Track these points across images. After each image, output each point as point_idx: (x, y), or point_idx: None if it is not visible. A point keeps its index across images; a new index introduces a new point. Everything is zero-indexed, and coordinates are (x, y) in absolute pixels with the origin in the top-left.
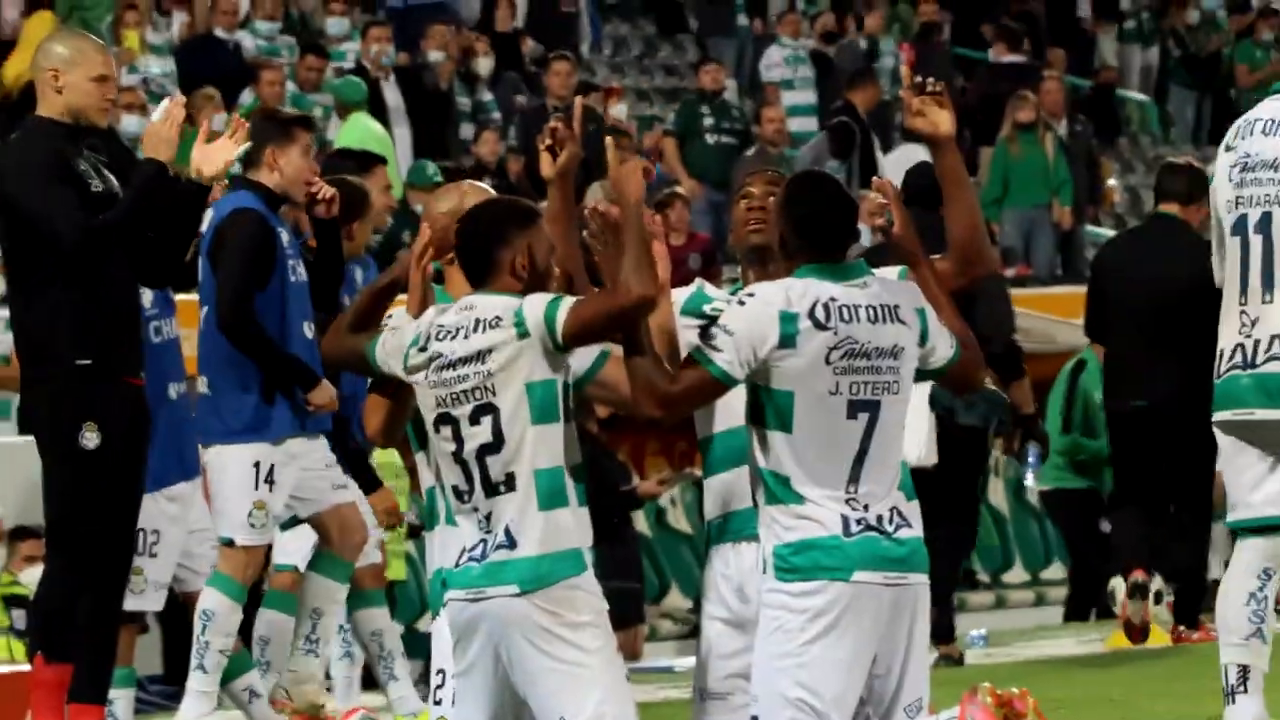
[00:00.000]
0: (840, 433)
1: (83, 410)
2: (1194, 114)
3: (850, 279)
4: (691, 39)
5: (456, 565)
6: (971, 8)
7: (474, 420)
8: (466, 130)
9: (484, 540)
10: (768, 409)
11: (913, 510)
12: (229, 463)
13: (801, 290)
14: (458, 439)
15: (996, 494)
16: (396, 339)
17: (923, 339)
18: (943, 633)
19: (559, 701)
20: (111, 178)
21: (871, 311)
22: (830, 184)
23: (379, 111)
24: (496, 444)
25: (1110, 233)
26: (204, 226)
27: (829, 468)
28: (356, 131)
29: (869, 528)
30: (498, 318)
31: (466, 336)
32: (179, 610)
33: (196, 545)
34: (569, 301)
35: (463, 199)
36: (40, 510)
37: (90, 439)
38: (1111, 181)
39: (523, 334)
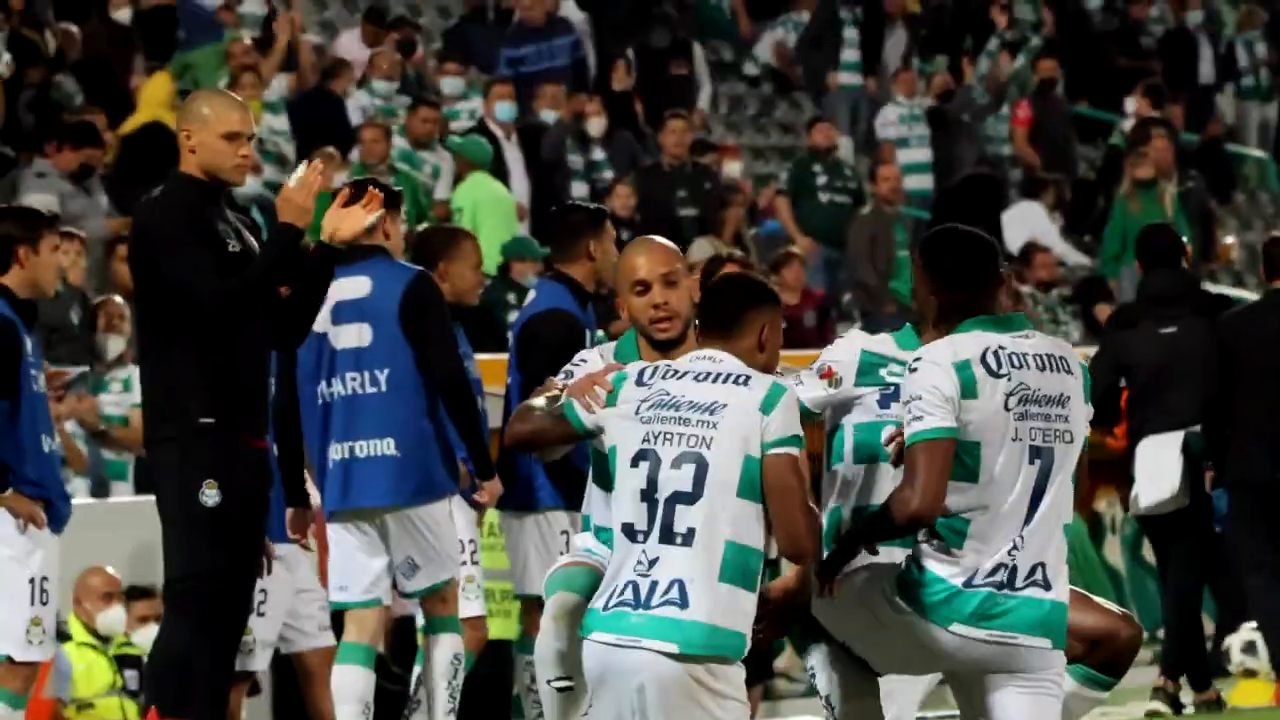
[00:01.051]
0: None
1: (204, 468)
2: None
3: (1015, 330)
4: (807, 97)
5: (606, 608)
6: (1089, 63)
7: (676, 465)
8: (579, 189)
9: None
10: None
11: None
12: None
13: (969, 342)
14: (652, 479)
15: (1113, 553)
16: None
17: (1086, 396)
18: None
19: None
20: (250, 238)
21: (1040, 360)
22: (961, 233)
23: (499, 171)
24: (694, 494)
25: (1228, 290)
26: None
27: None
28: (479, 191)
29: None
30: (747, 378)
31: (702, 380)
32: (287, 670)
33: (303, 606)
34: (796, 456)
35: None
36: (154, 571)
37: (210, 496)
38: (1229, 239)
39: (765, 410)
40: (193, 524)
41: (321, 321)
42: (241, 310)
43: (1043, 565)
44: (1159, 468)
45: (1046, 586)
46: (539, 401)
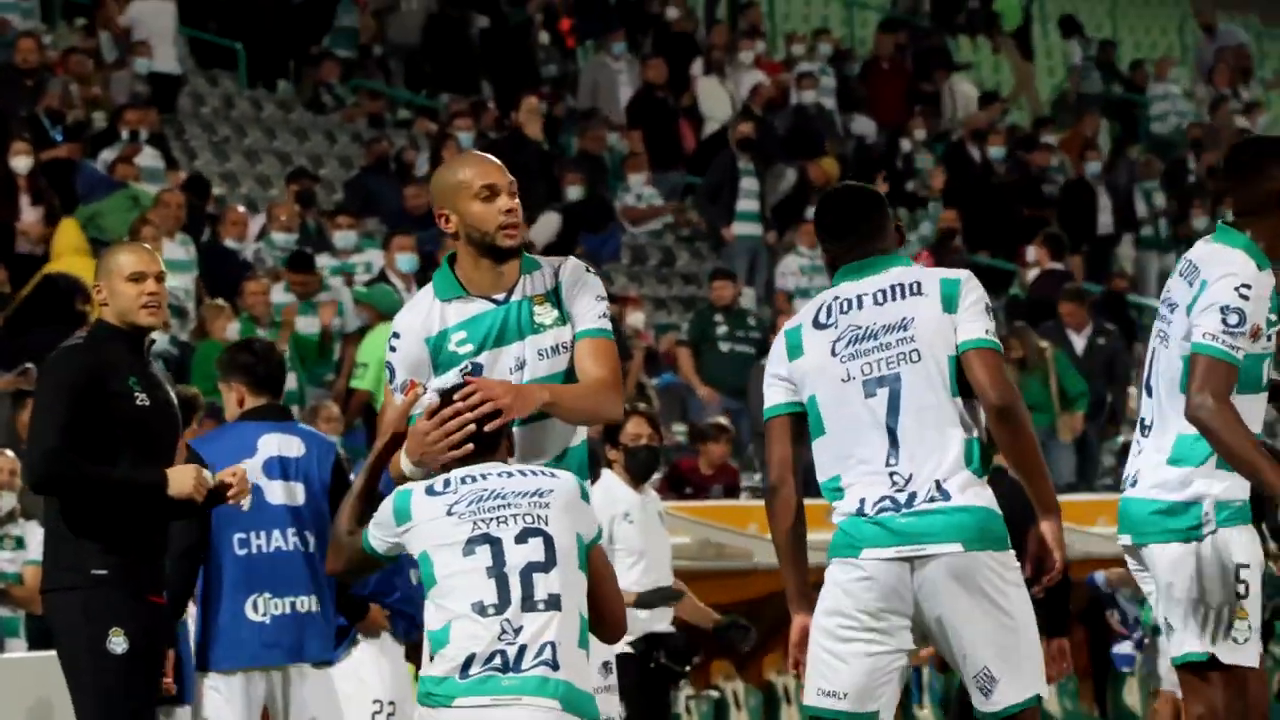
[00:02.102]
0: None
1: (108, 617)
2: None
3: (871, 272)
4: (709, 247)
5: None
6: (986, 214)
7: (521, 540)
8: None
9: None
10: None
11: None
12: None
13: (813, 303)
14: (498, 556)
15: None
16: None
17: (948, 306)
18: None
19: None
20: (164, 393)
21: (878, 295)
22: (839, 189)
23: None
24: (548, 564)
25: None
26: None
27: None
28: (384, 340)
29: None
30: (554, 473)
31: (513, 476)
32: None
33: None
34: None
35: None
36: None
37: (118, 644)
38: (1131, 389)
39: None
40: (102, 674)
41: (252, 472)
42: (57, 492)
43: (938, 481)
44: None
45: (947, 498)
46: (342, 527)
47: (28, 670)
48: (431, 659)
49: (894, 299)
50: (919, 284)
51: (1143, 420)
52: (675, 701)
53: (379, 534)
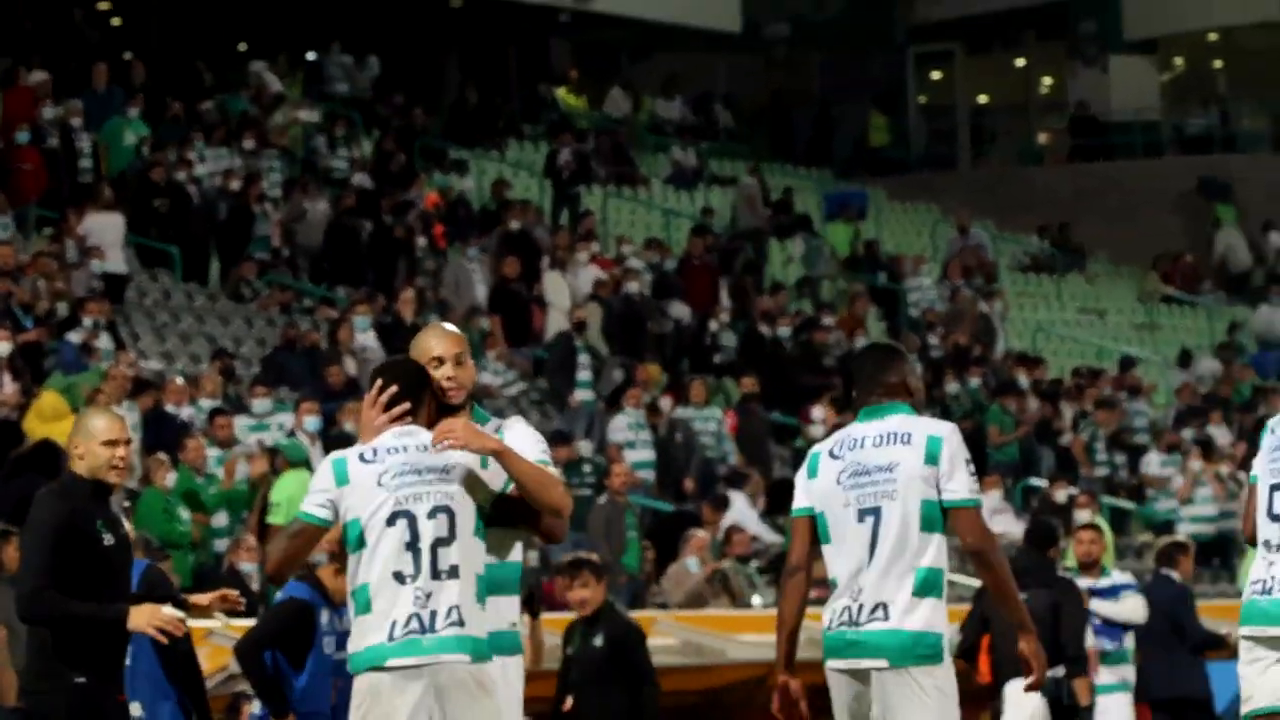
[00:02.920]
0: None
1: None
2: None
3: (876, 417)
4: (555, 408)
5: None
6: (780, 380)
7: (431, 516)
8: None
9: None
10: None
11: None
12: None
13: (836, 434)
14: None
15: None
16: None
17: (928, 458)
18: None
19: None
20: (124, 529)
21: (877, 438)
22: (867, 347)
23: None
24: (450, 538)
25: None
26: None
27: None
28: (294, 486)
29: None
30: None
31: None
32: None
33: None
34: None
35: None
36: None
37: None
38: None
39: (484, 466)
40: None
41: None
42: (41, 625)
43: (884, 605)
44: (1020, 705)
45: (887, 618)
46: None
47: None
48: (355, 628)
49: (887, 444)
50: (910, 435)
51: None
52: None
53: (318, 499)
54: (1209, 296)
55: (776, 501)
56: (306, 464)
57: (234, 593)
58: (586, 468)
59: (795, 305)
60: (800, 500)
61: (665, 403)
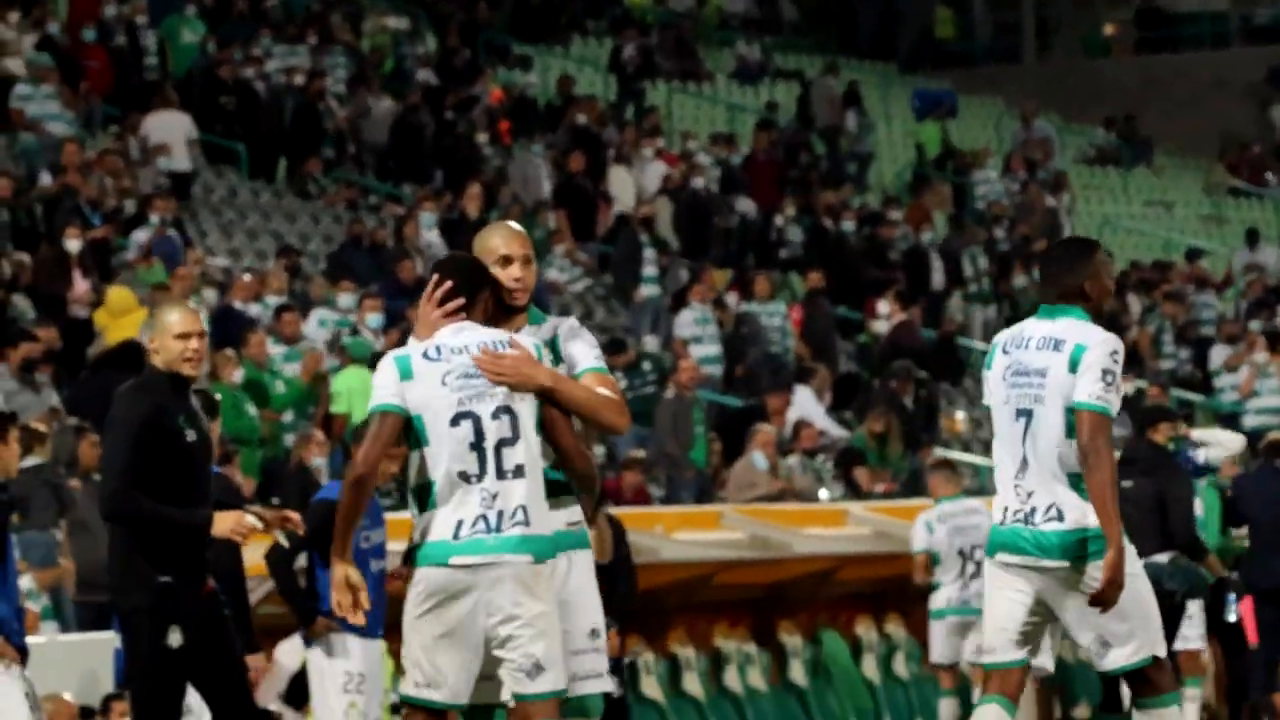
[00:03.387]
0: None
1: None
2: None
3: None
4: (620, 303)
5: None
6: (846, 275)
7: (495, 417)
8: None
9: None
10: None
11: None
12: None
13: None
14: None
15: (869, 668)
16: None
17: (1072, 368)
18: None
19: None
20: (205, 425)
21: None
22: (1062, 243)
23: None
24: (514, 438)
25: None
26: None
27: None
28: (353, 380)
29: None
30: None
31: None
32: None
33: None
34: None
35: None
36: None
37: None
38: (960, 414)
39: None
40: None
41: None
42: (123, 524)
43: (1056, 506)
44: None
45: (1061, 520)
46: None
47: (76, 650)
48: (419, 524)
49: (1045, 348)
50: (1063, 342)
51: None
52: None
53: (386, 392)
54: (1276, 188)
55: (842, 396)
56: (370, 360)
57: (295, 516)
58: (648, 364)
59: (859, 199)
60: (986, 393)
61: (731, 298)
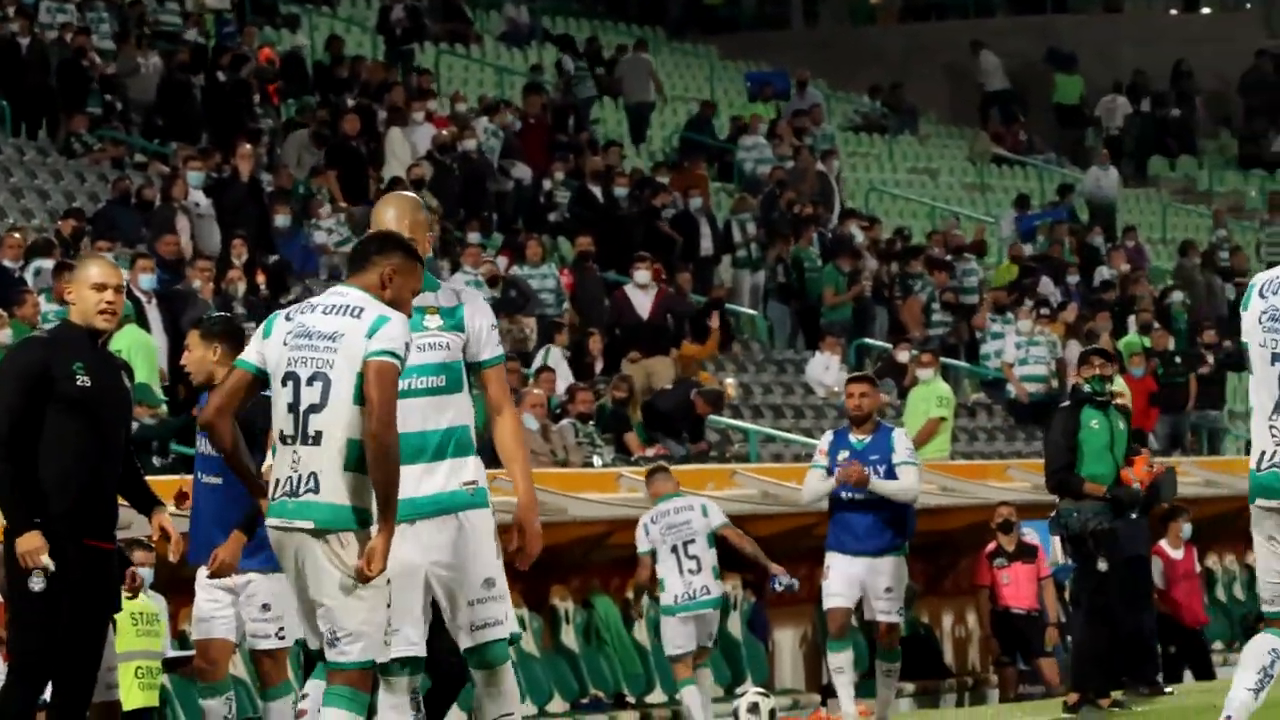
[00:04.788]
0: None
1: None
2: (791, 325)
3: None
4: None
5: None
6: (616, 240)
7: (310, 383)
8: None
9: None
10: None
11: None
12: None
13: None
14: (295, 394)
15: (640, 633)
16: None
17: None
18: None
19: None
20: (107, 377)
21: None
22: None
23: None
24: (321, 405)
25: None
26: None
27: None
28: (128, 338)
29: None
30: (361, 310)
31: (328, 313)
32: None
33: None
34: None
35: None
36: None
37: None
38: (730, 380)
39: (369, 336)
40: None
41: None
42: None
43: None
44: None
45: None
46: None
47: None
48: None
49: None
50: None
51: None
52: None
53: (253, 347)
54: (1039, 157)
55: (613, 359)
56: (137, 319)
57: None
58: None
59: (630, 164)
60: (1244, 333)
61: (502, 261)
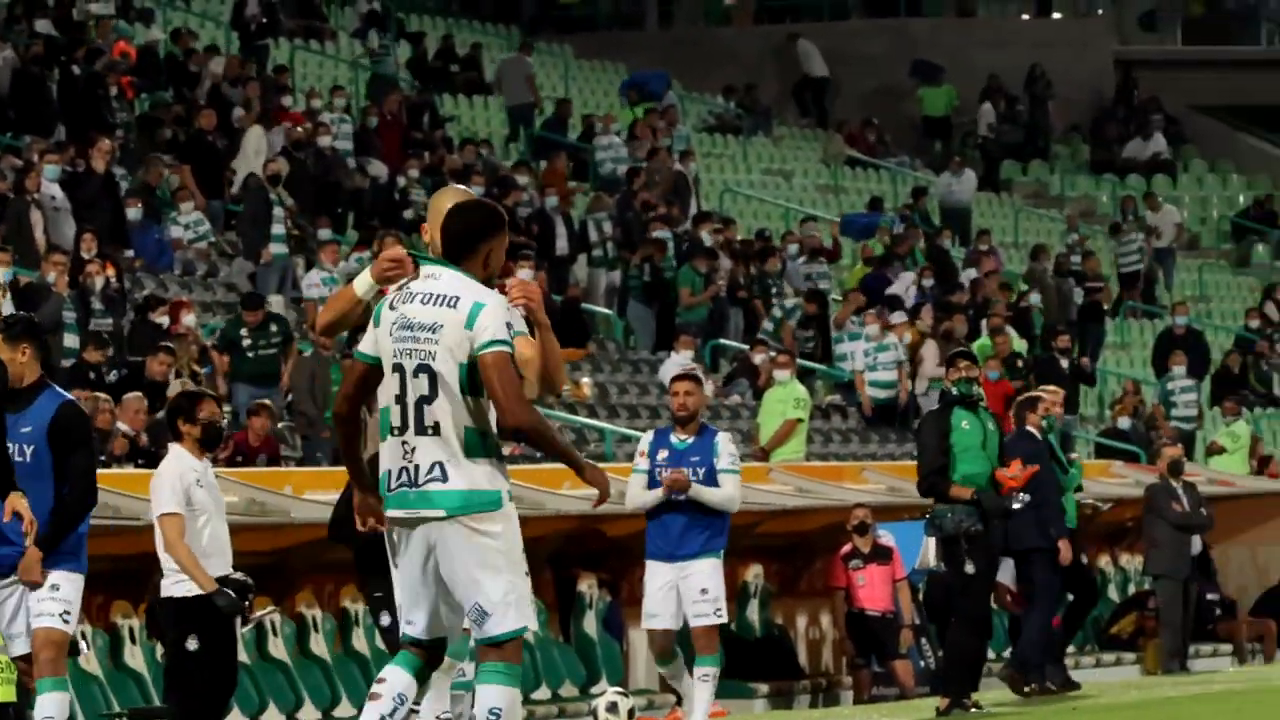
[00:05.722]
0: None
1: None
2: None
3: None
4: (250, 262)
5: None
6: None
7: (416, 375)
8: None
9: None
10: None
11: None
12: None
13: None
14: (403, 385)
15: (590, 625)
16: None
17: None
18: None
19: None
20: None
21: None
22: None
23: None
24: (431, 396)
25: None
26: None
27: None
28: None
29: None
30: (456, 299)
31: (426, 303)
32: None
33: None
34: (501, 353)
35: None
36: None
37: None
38: (585, 380)
39: (469, 326)
40: None
41: None
42: None
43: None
44: None
45: (444, 479)
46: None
47: None
48: None
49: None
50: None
51: None
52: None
53: (368, 338)
54: (893, 160)
55: None
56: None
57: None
58: (273, 328)
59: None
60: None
61: (357, 258)
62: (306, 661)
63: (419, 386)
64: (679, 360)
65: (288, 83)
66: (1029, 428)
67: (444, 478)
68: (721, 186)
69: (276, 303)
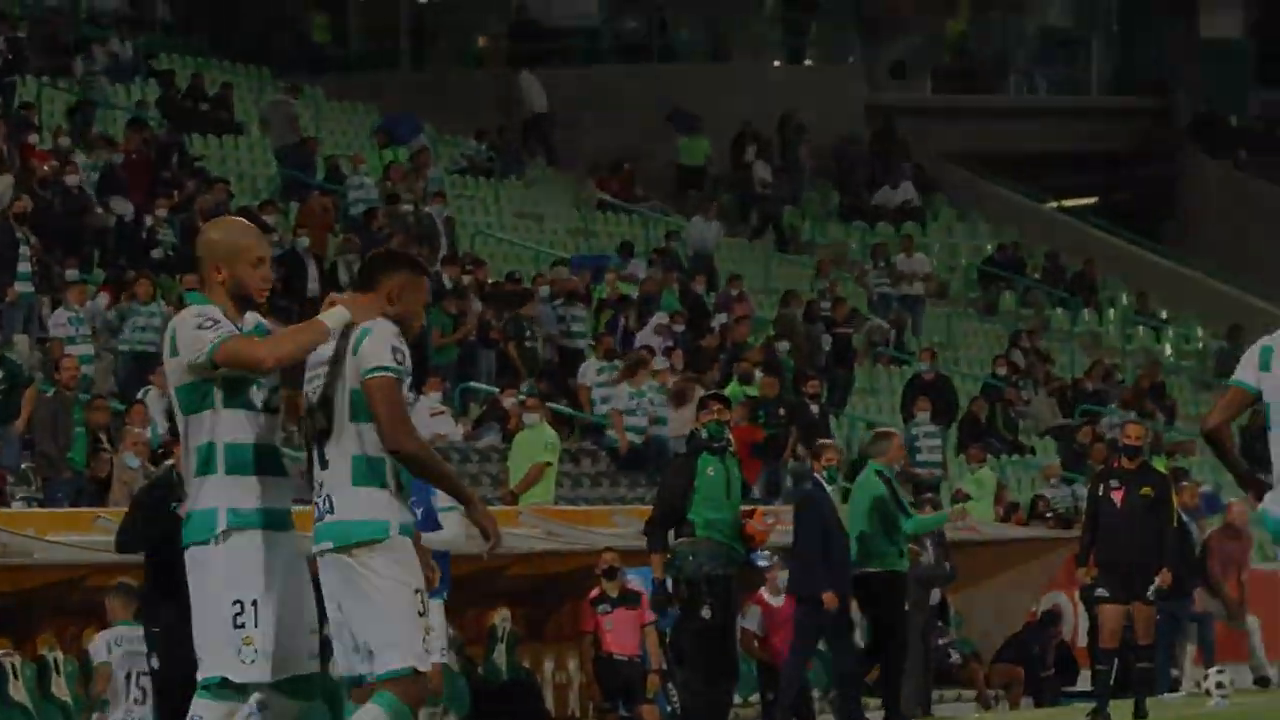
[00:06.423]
0: None
1: None
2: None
3: None
4: None
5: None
6: None
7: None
8: None
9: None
10: None
11: None
12: None
13: None
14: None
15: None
16: None
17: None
18: None
19: None
20: None
21: None
22: None
23: None
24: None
25: None
26: None
27: None
28: None
29: None
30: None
31: None
32: None
33: None
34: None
35: None
36: None
37: None
38: None
39: (353, 353)
40: None
41: None
42: None
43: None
44: None
45: (331, 510)
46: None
47: None
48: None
49: None
50: None
51: None
52: None
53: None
54: (645, 205)
55: None
56: None
57: None
58: (19, 361)
59: (237, 204)
60: (1244, 376)
61: (104, 298)
62: (48, 705)
63: (319, 420)
64: (427, 403)
65: (34, 120)
66: (817, 475)
67: (331, 509)
68: (474, 229)
69: (22, 342)
